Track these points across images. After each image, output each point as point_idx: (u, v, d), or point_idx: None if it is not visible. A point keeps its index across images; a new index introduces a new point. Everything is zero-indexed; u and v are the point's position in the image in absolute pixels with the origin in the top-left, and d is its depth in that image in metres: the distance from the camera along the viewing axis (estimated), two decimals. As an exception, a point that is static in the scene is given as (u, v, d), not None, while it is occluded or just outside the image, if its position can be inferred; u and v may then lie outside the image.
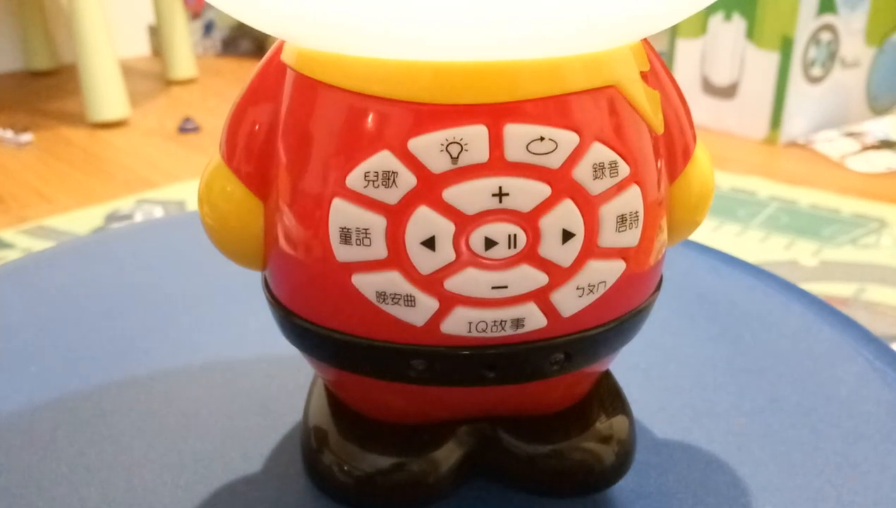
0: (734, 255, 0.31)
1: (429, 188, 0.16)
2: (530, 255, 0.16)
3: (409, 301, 0.16)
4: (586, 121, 0.16)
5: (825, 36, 1.47)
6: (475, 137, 0.15)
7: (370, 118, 0.16)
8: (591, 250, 0.17)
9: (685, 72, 1.62)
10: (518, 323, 0.17)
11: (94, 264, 0.33)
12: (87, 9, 1.50)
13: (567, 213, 0.16)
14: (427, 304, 0.16)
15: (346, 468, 0.20)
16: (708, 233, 1.12)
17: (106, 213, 1.22)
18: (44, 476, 0.21)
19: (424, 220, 0.16)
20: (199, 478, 0.21)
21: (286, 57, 0.18)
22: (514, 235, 0.16)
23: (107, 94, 1.57)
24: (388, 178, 0.16)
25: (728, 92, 1.56)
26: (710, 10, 1.56)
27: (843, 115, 1.56)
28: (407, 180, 0.16)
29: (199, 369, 0.25)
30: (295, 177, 0.17)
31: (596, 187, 0.16)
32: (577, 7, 0.15)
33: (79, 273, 0.32)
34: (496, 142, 0.16)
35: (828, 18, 1.46)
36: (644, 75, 0.18)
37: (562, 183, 0.16)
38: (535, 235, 0.16)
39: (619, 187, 0.17)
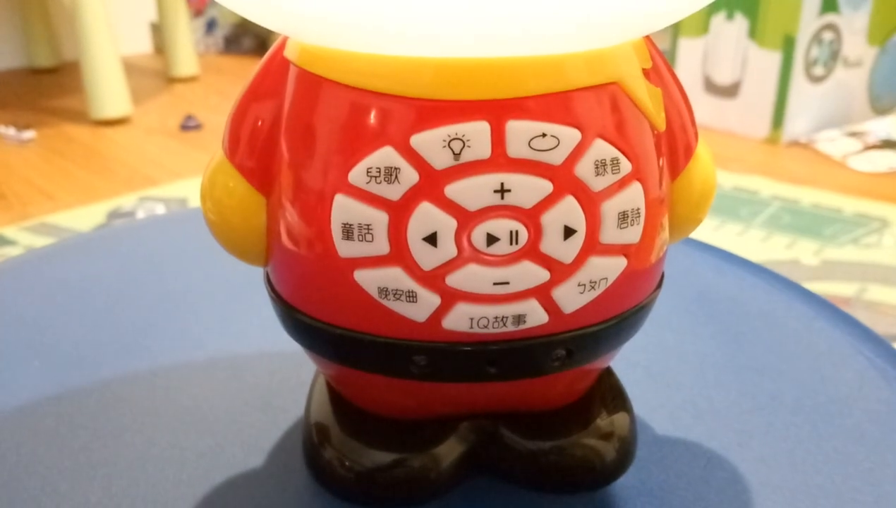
0: (736, 254, 0.31)
1: (431, 184, 0.16)
2: (532, 252, 0.16)
3: (411, 297, 0.17)
4: (588, 118, 0.16)
5: (827, 35, 1.47)
6: (477, 133, 0.16)
7: (373, 114, 0.16)
8: (593, 247, 0.17)
9: (687, 71, 1.62)
10: (519, 319, 0.17)
11: (97, 261, 0.33)
12: (90, 6, 1.50)
13: (569, 210, 0.16)
14: (429, 300, 0.16)
15: (346, 463, 0.20)
16: (710, 232, 1.12)
17: (108, 210, 1.22)
18: (47, 471, 0.21)
19: (426, 216, 0.16)
20: (201, 473, 0.21)
21: (289, 53, 0.18)
22: (516, 232, 0.16)
23: (109, 92, 1.57)
24: (391, 174, 0.16)
25: (730, 91, 1.56)
26: (712, 10, 1.56)
27: (845, 115, 1.56)
28: (409, 176, 0.16)
29: (201, 365, 0.25)
30: (297, 172, 0.17)
31: (598, 184, 0.16)
32: (578, 4, 0.15)
33: (81, 269, 0.32)
34: (498, 138, 0.16)
35: (830, 18, 1.46)
36: (646, 72, 0.18)
37: (564, 179, 0.16)
38: (536, 232, 0.16)
39: (621, 184, 0.17)
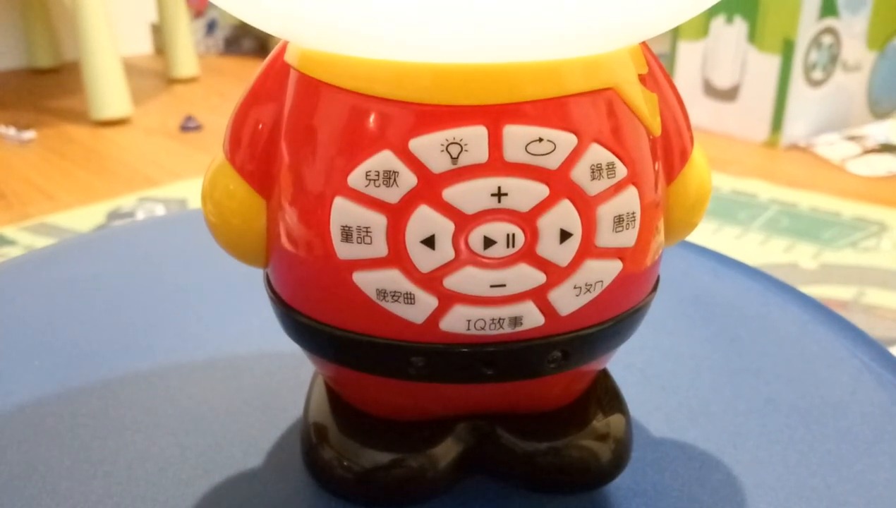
0: (733, 257, 0.31)
1: (429, 188, 0.16)
2: (528, 254, 0.16)
3: (409, 299, 0.17)
4: (584, 123, 0.16)
5: (826, 39, 1.47)
6: (475, 138, 0.16)
7: (372, 118, 0.16)
8: (589, 250, 0.17)
9: (686, 74, 1.63)
10: (516, 321, 0.17)
11: (96, 261, 0.33)
12: (90, 7, 1.50)
13: (565, 213, 0.16)
14: (426, 302, 0.17)
15: (345, 463, 0.20)
16: (708, 235, 1.12)
17: (108, 211, 1.22)
18: (47, 469, 0.21)
19: (424, 219, 0.16)
20: (201, 472, 0.21)
21: (289, 57, 0.18)
22: (513, 235, 0.16)
23: (109, 92, 1.57)
24: (389, 178, 0.16)
25: (729, 94, 1.56)
26: (711, 13, 1.56)
27: (844, 119, 1.56)
28: (408, 180, 0.16)
29: (201, 365, 0.25)
30: (297, 175, 0.17)
31: (593, 188, 0.17)
32: (576, 11, 0.15)
33: (80, 269, 0.32)
34: (495, 142, 0.16)
35: (829, 22, 1.46)
36: (642, 78, 0.18)
37: (560, 183, 0.16)
38: (533, 235, 0.16)
39: (617, 188, 0.17)
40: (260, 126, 0.18)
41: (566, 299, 0.17)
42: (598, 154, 0.17)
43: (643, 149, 0.18)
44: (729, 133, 1.56)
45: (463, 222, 0.16)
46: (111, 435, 0.22)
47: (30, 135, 1.55)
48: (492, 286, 0.17)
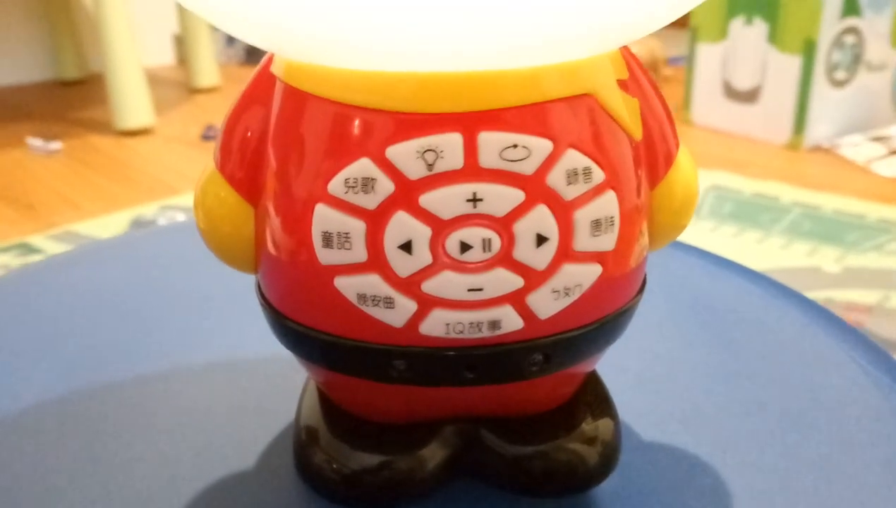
0: (732, 259, 0.31)
1: (406, 194, 0.16)
2: (505, 259, 0.17)
3: (389, 303, 0.17)
4: (560, 129, 0.17)
5: (849, 39, 1.46)
6: (450, 145, 0.16)
7: (351, 127, 0.17)
8: (566, 254, 0.17)
9: (706, 76, 1.62)
10: (495, 324, 0.17)
11: (110, 266, 0.34)
12: (113, 18, 1.53)
13: (540, 218, 0.17)
14: (405, 306, 0.17)
15: (335, 465, 0.20)
16: (728, 239, 1.11)
17: (130, 219, 1.24)
18: (47, 469, 0.21)
19: (402, 225, 0.16)
20: (195, 474, 0.21)
21: (275, 68, 0.18)
22: (489, 239, 0.16)
23: (132, 103, 1.60)
24: (367, 185, 0.16)
25: (750, 96, 1.55)
26: (730, 14, 1.55)
27: (868, 119, 1.54)
28: (385, 186, 0.16)
29: (201, 368, 0.26)
30: (282, 183, 0.18)
31: (570, 193, 0.17)
32: (551, 19, 0.15)
33: (95, 274, 0.33)
34: (470, 149, 0.16)
35: (852, 21, 1.45)
36: (623, 83, 0.18)
37: (535, 189, 0.16)
38: (509, 239, 0.17)
39: (594, 193, 0.17)
40: (248, 134, 0.19)
41: (545, 303, 0.17)
42: (574, 159, 0.17)
43: (623, 153, 0.18)
44: (750, 135, 1.55)
45: (439, 227, 0.16)
46: (107, 436, 0.23)
47: (56, 145, 1.58)
48: (469, 290, 0.17)
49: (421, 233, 0.16)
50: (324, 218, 0.17)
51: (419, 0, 0.14)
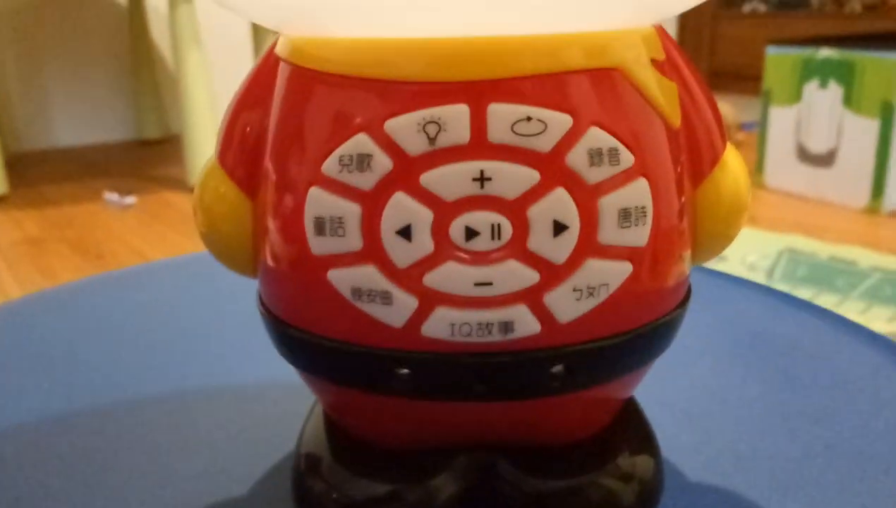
0: (796, 296, 0.28)
1: (405, 172, 0.14)
2: (518, 249, 0.15)
3: (386, 298, 0.15)
4: (582, 103, 0.15)
5: (931, 102, 1.40)
6: (454, 116, 0.14)
7: (350, 100, 0.15)
8: (590, 247, 0.15)
9: (779, 139, 1.57)
10: (507, 326, 0.15)
11: (136, 292, 0.33)
12: (194, 81, 1.59)
13: (558, 202, 0.15)
14: (405, 302, 0.15)
15: (335, 495, 0.18)
16: (802, 302, 1.06)
17: (170, 258, 1.26)
18: (43, 489, 0.20)
19: (400, 207, 0.15)
20: (188, 500, 0.19)
21: (279, 49, 0.17)
22: (499, 225, 0.14)
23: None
24: (363, 162, 0.15)
25: (825, 160, 1.49)
26: (804, 78, 1.51)
27: (952, 185, 1.47)
28: (382, 164, 0.15)
29: (205, 393, 0.24)
30: (277, 168, 0.16)
31: (593, 176, 0.15)
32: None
33: (120, 298, 0.32)
34: (478, 122, 0.14)
35: (933, 83, 1.39)
36: (658, 64, 0.16)
37: (552, 168, 0.14)
38: (522, 226, 0.15)
39: (623, 178, 0.15)
40: (249, 126, 0.17)
41: (565, 303, 0.15)
42: (598, 138, 0.15)
43: (657, 139, 0.16)
44: (825, 199, 1.49)
45: (442, 211, 0.14)
46: (103, 458, 0.21)
47: (131, 200, 1.63)
48: (477, 284, 0.15)
49: (421, 216, 0.15)
50: (316, 202, 0.15)
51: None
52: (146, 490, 0.20)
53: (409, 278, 0.15)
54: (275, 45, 0.18)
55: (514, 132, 0.14)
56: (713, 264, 0.20)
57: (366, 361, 0.16)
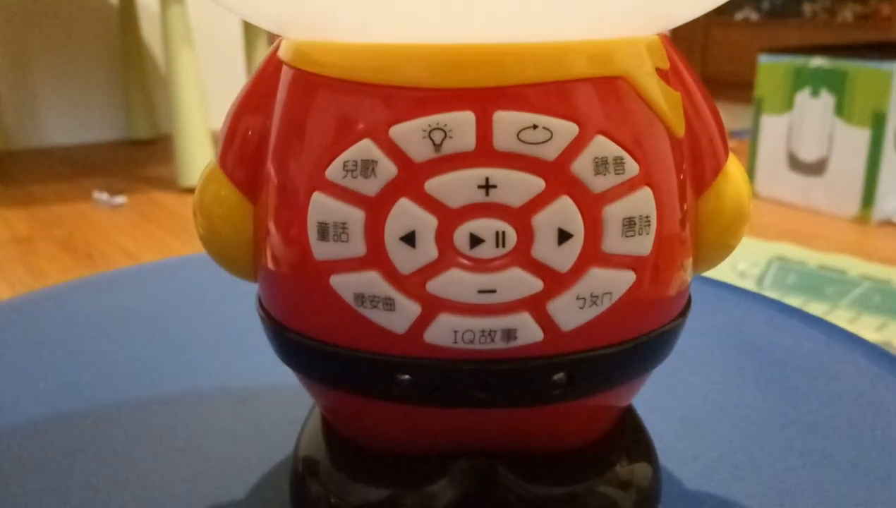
0: (792, 305, 0.28)
1: (410, 178, 0.14)
2: (522, 257, 0.15)
3: (389, 304, 0.15)
4: (587, 112, 0.15)
5: (921, 112, 1.41)
6: (460, 123, 0.14)
7: (355, 106, 0.15)
8: (594, 255, 0.15)
9: (770, 148, 1.58)
10: (510, 334, 0.15)
11: (123, 293, 0.33)
12: (185, 82, 1.59)
13: (563, 211, 0.14)
14: (408, 309, 0.15)
15: (332, 499, 0.18)
16: (792, 310, 1.06)
17: (170, 259, 1.25)
18: (39, 488, 0.20)
19: (404, 214, 0.14)
20: (183, 502, 0.19)
21: (282, 53, 0.17)
22: (503, 233, 0.14)
23: (197, 161, 1.64)
24: (368, 168, 0.15)
25: (816, 168, 1.50)
26: (796, 87, 1.52)
27: (942, 195, 1.48)
28: (387, 169, 0.14)
29: (204, 395, 0.24)
30: (280, 173, 0.16)
31: (598, 184, 0.15)
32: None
33: (117, 299, 0.32)
34: (484, 129, 0.14)
35: (923, 94, 1.40)
36: (662, 73, 0.16)
37: (558, 177, 0.14)
38: (527, 234, 0.15)
39: (627, 187, 0.15)
40: (251, 129, 0.17)
41: (568, 311, 0.15)
42: (603, 146, 0.15)
43: (661, 148, 0.16)
44: (815, 207, 1.50)
45: (447, 217, 0.14)
46: (99, 457, 0.21)
47: (121, 200, 1.62)
48: (480, 292, 0.15)
49: (426, 223, 0.14)
50: (320, 207, 0.15)
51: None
52: (141, 492, 0.20)
53: (412, 284, 0.15)
54: (277, 47, 0.18)
55: (520, 140, 0.14)
56: (705, 272, 0.20)
57: (367, 367, 0.16)
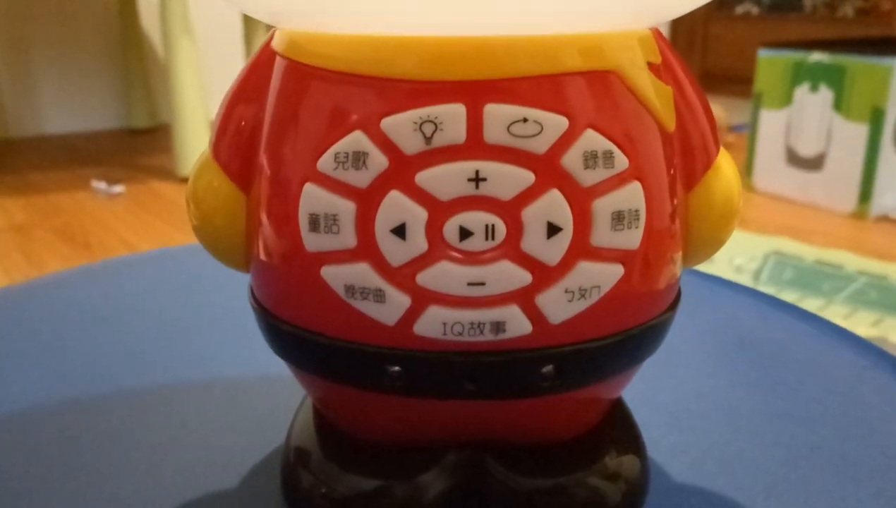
0: (781, 299, 0.28)
1: (401, 170, 0.15)
2: (511, 250, 0.15)
3: (379, 296, 0.15)
4: (578, 105, 0.15)
5: (919, 108, 1.41)
6: (451, 116, 0.14)
7: (346, 98, 0.15)
8: (583, 249, 0.15)
9: (769, 142, 1.58)
10: (498, 326, 0.15)
11: (128, 281, 0.33)
12: (184, 71, 1.58)
13: (553, 204, 0.15)
14: (398, 300, 0.15)
15: (324, 489, 0.18)
16: (788, 305, 1.06)
17: (164, 249, 1.25)
18: (27, 477, 0.20)
19: (395, 206, 0.15)
20: (174, 492, 0.19)
21: (275, 43, 0.17)
22: (492, 225, 0.15)
23: (196, 151, 1.63)
24: (359, 160, 0.15)
25: (814, 163, 1.50)
26: (795, 82, 1.52)
27: (939, 191, 1.48)
28: (378, 161, 0.15)
29: (197, 385, 0.24)
30: (272, 164, 0.16)
31: (587, 178, 0.15)
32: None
33: (111, 289, 0.32)
34: (475, 122, 0.14)
35: (922, 90, 1.40)
36: (654, 67, 0.16)
37: (547, 170, 0.15)
38: (516, 227, 0.15)
39: (617, 181, 0.15)
40: (244, 120, 0.17)
41: (557, 304, 0.15)
42: (593, 140, 0.15)
43: (652, 143, 0.16)
44: (813, 202, 1.50)
45: (437, 210, 0.15)
46: (90, 447, 0.21)
47: (119, 189, 1.62)
48: (470, 284, 0.15)
49: (416, 215, 0.15)
50: (311, 198, 0.15)
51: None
52: (134, 482, 0.20)
53: (402, 276, 0.15)
54: (271, 38, 0.18)
55: (510, 133, 0.14)
56: (700, 266, 0.20)
57: (357, 358, 0.16)
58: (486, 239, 0.15)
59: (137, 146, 2.05)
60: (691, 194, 0.18)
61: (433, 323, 0.15)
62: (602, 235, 0.15)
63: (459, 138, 0.14)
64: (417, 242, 0.15)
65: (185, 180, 1.62)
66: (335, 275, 0.15)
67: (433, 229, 0.15)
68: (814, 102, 1.50)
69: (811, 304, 1.07)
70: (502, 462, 0.18)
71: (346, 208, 0.15)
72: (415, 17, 0.14)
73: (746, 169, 1.62)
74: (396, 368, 0.16)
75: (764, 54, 1.58)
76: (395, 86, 0.15)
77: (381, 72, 0.15)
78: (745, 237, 1.26)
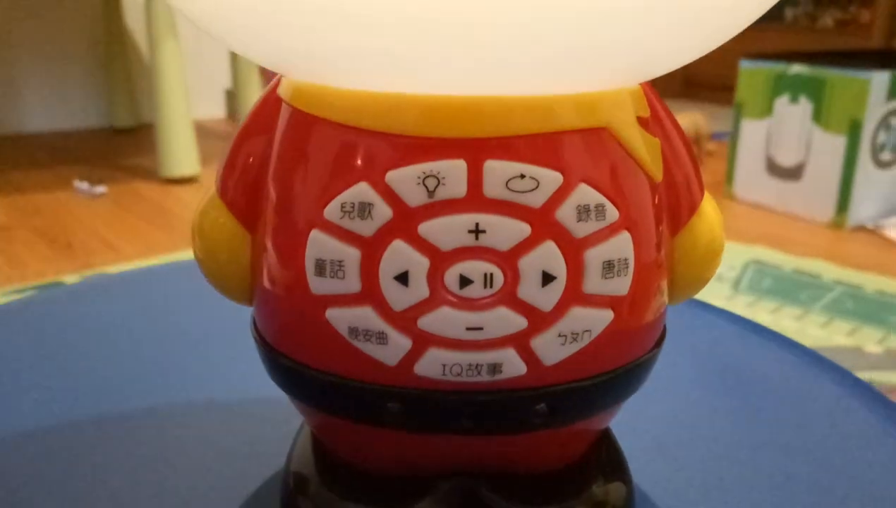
0: (766, 326, 0.29)
1: (404, 221, 0.15)
2: (508, 297, 0.16)
3: (381, 338, 0.16)
4: (572, 162, 0.16)
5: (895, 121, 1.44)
6: (453, 171, 0.15)
7: (351, 149, 0.16)
8: (575, 296, 0.16)
9: (749, 152, 1.60)
10: (495, 368, 0.16)
11: (113, 301, 0.33)
12: (167, 70, 1.58)
13: (548, 255, 0.15)
14: (399, 343, 0.16)
15: (322, 517, 0.19)
16: (766, 314, 1.08)
17: (166, 264, 1.25)
18: (28, 502, 0.20)
19: (398, 254, 0.15)
20: (176, 517, 0.20)
21: (281, 90, 0.18)
22: (491, 274, 0.15)
23: (180, 152, 1.63)
24: (364, 210, 0.15)
25: (793, 173, 1.53)
26: (775, 92, 1.54)
27: (915, 202, 1.51)
28: (382, 212, 0.15)
29: (196, 408, 0.25)
30: (279, 208, 0.17)
31: (580, 230, 0.16)
32: (567, 46, 0.14)
33: (104, 308, 0.32)
34: (475, 177, 0.15)
35: (899, 103, 1.43)
36: (643, 121, 0.17)
37: (543, 223, 0.15)
38: (513, 276, 0.15)
39: (607, 232, 0.16)
40: (251, 160, 0.18)
41: (551, 348, 0.16)
42: (586, 194, 0.16)
43: (641, 194, 0.17)
44: (792, 212, 1.52)
45: (438, 259, 0.15)
46: (89, 470, 0.22)
47: (101, 189, 1.61)
48: (468, 329, 0.16)
49: (418, 263, 0.15)
50: (318, 244, 0.16)
51: (428, 21, 0.14)
52: (133, 506, 0.20)
53: (404, 320, 0.16)
54: (278, 83, 0.18)
55: (509, 188, 0.15)
56: (680, 303, 0.21)
57: (358, 395, 0.17)
58: (485, 286, 0.15)
59: (120, 146, 2.04)
60: (677, 238, 0.18)
61: (433, 365, 0.16)
62: (593, 283, 0.16)
63: (461, 192, 0.15)
64: (419, 289, 0.15)
65: (167, 181, 1.62)
66: (339, 317, 0.16)
67: (434, 277, 0.15)
68: (793, 113, 1.52)
69: (789, 313, 1.08)
70: (495, 490, 0.19)
71: (351, 255, 0.16)
72: (418, 77, 0.15)
73: (727, 178, 1.64)
74: (396, 405, 0.17)
75: (745, 66, 1.60)
76: (400, 141, 0.15)
77: (386, 127, 0.16)
78: (725, 246, 1.28)
